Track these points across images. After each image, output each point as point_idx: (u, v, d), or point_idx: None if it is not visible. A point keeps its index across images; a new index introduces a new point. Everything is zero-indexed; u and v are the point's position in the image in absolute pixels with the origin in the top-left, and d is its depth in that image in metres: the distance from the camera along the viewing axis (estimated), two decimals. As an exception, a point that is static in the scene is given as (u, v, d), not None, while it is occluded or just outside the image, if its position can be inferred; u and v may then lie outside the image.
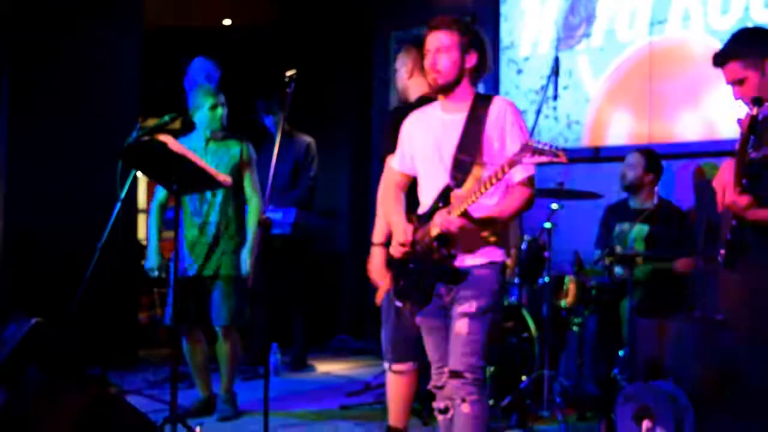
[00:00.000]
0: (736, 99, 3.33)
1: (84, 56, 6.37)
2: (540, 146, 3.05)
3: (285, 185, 6.51)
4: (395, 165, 3.75)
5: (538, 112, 4.97)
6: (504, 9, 6.93)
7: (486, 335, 3.42)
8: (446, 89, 3.51)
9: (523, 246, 5.28)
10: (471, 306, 3.40)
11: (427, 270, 3.48)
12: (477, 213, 3.36)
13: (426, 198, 3.55)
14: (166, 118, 4.65)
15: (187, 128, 5.24)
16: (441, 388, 3.55)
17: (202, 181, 4.35)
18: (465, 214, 3.31)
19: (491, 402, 4.88)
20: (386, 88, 7.64)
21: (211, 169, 4.42)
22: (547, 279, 5.12)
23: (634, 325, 4.87)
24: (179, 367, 5.13)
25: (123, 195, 4.74)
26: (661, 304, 5.15)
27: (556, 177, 5.33)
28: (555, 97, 5.08)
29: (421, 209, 3.56)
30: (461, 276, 3.44)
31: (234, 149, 5.09)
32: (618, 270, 5.24)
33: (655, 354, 4.71)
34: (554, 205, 5.14)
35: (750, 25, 5.27)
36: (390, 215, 3.72)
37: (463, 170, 3.38)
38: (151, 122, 4.74)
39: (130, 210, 6.90)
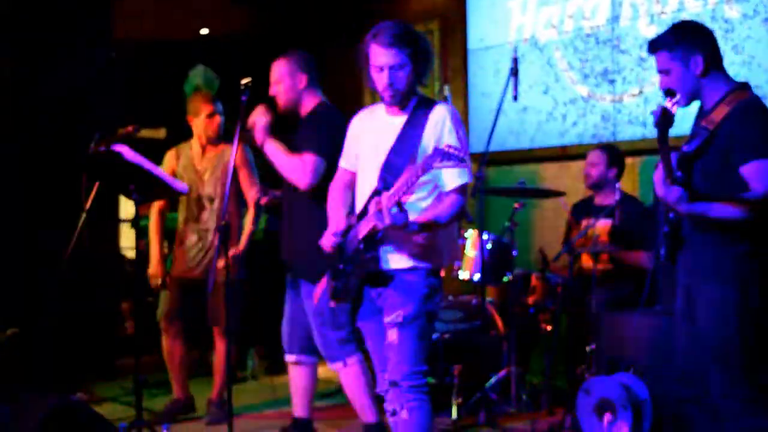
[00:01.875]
0: (661, 89, 3.39)
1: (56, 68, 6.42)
2: (450, 151, 3.09)
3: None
4: (341, 163, 3.81)
5: (497, 114, 5.02)
6: (471, 10, 6.99)
7: (418, 341, 3.46)
8: (402, 102, 3.54)
9: (487, 245, 5.33)
10: (398, 315, 3.44)
11: (354, 271, 3.52)
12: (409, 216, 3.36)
13: (360, 199, 3.60)
14: (130, 129, 4.71)
15: (184, 135, 5.34)
16: (387, 391, 3.57)
17: (160, 188, 4.42)
18: (399, 207, 3.27)
19: (459, 400, 4.94)
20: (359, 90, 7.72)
21: (167, 177, 4.50)
22: (509, 277, 5.16)
23: (598, 319, 4.92)
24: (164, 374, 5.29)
25: (87, 206, 4.79)
26: (625, 298, 5.20)
27: (522, 178, 5.40)
28: (515, 98, 5.12)
29: (356, 211, 3.62)
30: (385, 279, 3.47)
31: (228, 154, 5.14)
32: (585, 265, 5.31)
33: (618, 348, 4.76)
34: (515, 204, 5.21)
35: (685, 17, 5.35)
36: (330, 211, 3.75)
37: (394, 173, 3.40)
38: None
39: (111, 220, 6.97)
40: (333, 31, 8.10)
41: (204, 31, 8.92)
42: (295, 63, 4.44)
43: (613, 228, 5.31)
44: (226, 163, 5.09)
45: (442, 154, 3.08)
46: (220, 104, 5.25)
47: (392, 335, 3.46)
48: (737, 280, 3.25)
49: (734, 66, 5.20)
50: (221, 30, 8.79)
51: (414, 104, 3.55)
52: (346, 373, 4.44)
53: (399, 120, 3.55)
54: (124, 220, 7.52)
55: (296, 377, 4.61)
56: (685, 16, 5.59)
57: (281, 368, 6.63)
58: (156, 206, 5.28)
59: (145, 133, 7.22)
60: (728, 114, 3.25)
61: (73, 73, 6.41)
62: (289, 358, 4.60)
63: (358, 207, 3.60)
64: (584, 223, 5.50)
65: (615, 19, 6.05)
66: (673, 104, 3.22)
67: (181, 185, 4.59)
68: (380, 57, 3.46)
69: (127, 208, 8.50)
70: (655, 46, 3.41)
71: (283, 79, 4.42)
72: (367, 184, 3.56)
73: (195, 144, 5.25)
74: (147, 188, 4.36)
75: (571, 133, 6.29)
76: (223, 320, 5.04)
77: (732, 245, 3.26)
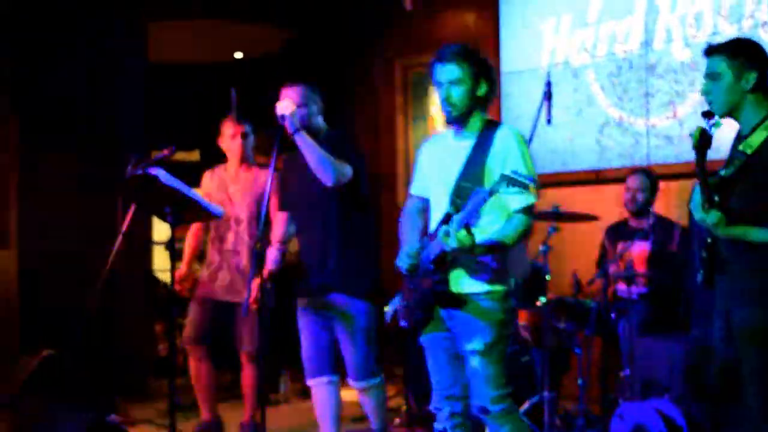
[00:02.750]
0: (703, 94, 3.39)
1: (90, 93, 6.51)
2: (515, 177, 3.15)
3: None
4: (411, 189, 3.87)
5: (531, 137, 5.01)
6: (504, 33, 7.00)
7: (499, 365, 3.50)
8: (459, 120, 3.58)
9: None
10: (479, 343, 3.47)
11: (426, 292, 3.54)
12: (477, 237, 3.39)
13: (433, 223, 3.64)
14: (165, 151, 4.76)
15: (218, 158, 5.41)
16: (440, 409, 3.63)
17: (196, 212, 4.46)
18: (467, 230, 3.32)
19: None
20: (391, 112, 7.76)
21: (202, 200, 4.53)
22: (544, 300, 5.13)
23: (633, 344, 4.88)
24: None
25: (125, 228, 4.83)
26: (662, 322, 5.16)
27: (554, 200, 5.38)
28: (548, 122, 5.12)
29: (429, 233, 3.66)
30: (458, 301, 3.49)
31: (261, 178, 5.18)
32: (620, 289, 5.28)
33: (653, 372, 4.72)
34: (551, 229, 5.19)
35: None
36: (403, 235, 3.78)
37: (463, 197, 3.41)
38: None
39: (144, 242, 7.02)
40: (366, 55, 8.15)
41: (238, 54, 9.00)
42: (312, 90, 4.51)
43: (650, 252, 5.28)
44: (258, 187, 5.12)
45: (507, 180, 3.16)
46: (247, 125, 5.28)
47: (474, 362, 3.49)
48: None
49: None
50: (255, 53, 8.87)
51: (480, 127, 3.58)
52: (377, 389, 4.51)
53: (466, 143, 3.58)
54: (158, 242, 7.57)
55: (325, 398, 4.56)
56: (719, 39, 5.56)
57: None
58: (194, 225, 5.32)
59: (180, 155, 7.31)
60: (767, 138, 3.23)
61: (110, 96, 6.49)
62: (320, 380, 4.54)
63: (431, 230, 3.63)
64: (620, 246, 5.48)
65: (648, 42, 6.03)
66: (711, 126, 3.21)
67: (216, 208, 4.63)
68: (438, 73, 3.55)
69: (160, 229, 8.60)
70: (715, 48, 3.40)
71: (303, 102, 4.42)
72: (438, 209, 3.60)
73: (230, 166, 5.30)
74: (182, 211, 4.39)
75: (604, 157, 6.27)
76: (252, 344, 5.05)
77: None
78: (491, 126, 3.59)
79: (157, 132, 6.92)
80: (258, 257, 4.15)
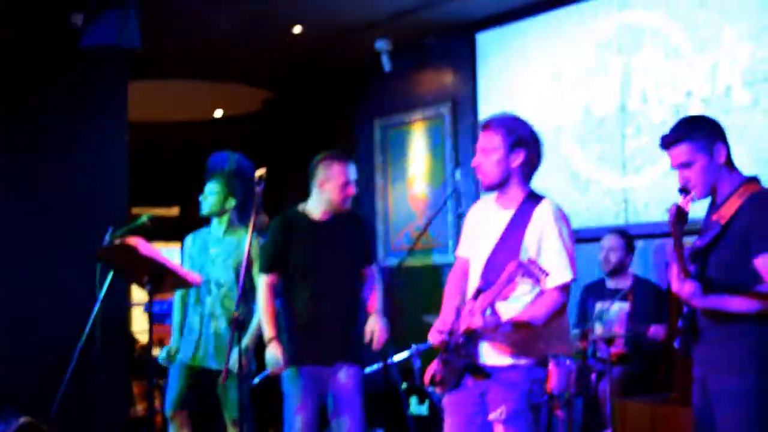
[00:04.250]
0: (681, 183, 3.35)
1: (71, 152, 6.47)
2: (530, 267, 3.19)
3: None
4: (458, 251, 3.83)
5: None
6: (481, 93, 7.07)
7: None
8: (494, 188, 3.57)
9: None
10: (502, 413, 3.43)
11: (456, 361, 3.52)
12: (504, 314, 3.37)
13: (470, 290, 3.58)
14: (144, 218, 4.76)
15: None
16: None
17: (174, 280, 4.44)
18: (492, 309, 3.31)
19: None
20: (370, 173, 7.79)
21: (180, 269, 4.52)
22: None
23: (614, 405, 4.88)
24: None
25: (102, 294, 4.81)
26: (642, 383, 5.17)
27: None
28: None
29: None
30: (485, 374, 3.48)
31: (244, 241, 5.09)
32: (599, 351, 5.29)
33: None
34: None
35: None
36: (444, 299, 3.74)
37: (495, 270, 3.39)
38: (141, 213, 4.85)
39: (122, 304, 6.96)
40: (345, 115, 8.20)
41: (218, 113, 9.06)
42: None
43: (630, 311, 5.30)
44: (242, 252, 5.09)
45: (523, 269, 3.17)
46: (233, 187, 5.25)
47: (498, 431, 3.46)
48: (753, 370, 3.23)
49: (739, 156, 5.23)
50: (235, 111, 8.93)
51: (522, 199, 3.55)
52: None
53: (506, 214, 3.55)
54: (137, 304, 7.53)
55: None
56: (694, 100, 5.66)
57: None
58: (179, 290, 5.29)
59: (159, 212, 7.31)
60: (741, 206, 3.25)
61: (89, 158, 6.47)
62: None
63: (467, 299, 3.59)
64: (598, 306, 5.50)
65: (624, 104, 6.11)
66: (687, 202, 3.24)
67: (194, 277, 4.60)
68: (478, 141, 3.56)
69: (138, 292, 8.56)
70: (672, 139, 3.36)
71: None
72: (474, 278, 3.58)
73: (214, 228, 5.26)
74: (160, 279, 4.37)
75: (581, 217, 6.31)
76: (235, 410, 4.99)
77: (746, 335, 3.24)
78: (533, 199, 3.55)
79: (137, 188, 6.92)
80: (236, 326, 4.11)
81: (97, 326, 4.79)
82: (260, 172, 4.21)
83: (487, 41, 7.04)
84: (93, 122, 6.57)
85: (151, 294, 4.37)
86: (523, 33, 6.78)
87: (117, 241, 4.23)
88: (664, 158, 3.47)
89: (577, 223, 6.27)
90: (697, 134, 3.34)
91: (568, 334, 4.54)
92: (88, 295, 5.06)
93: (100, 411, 6.30)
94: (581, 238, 6.23)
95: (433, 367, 3.69)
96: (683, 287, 3.20)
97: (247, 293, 5.02)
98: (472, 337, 3.45)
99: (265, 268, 4.56)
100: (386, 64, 7.28)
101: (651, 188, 5.91)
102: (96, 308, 4.84)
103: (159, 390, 5.82)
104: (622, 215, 6.08)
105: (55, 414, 5.03)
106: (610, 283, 5.56)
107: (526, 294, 3.46)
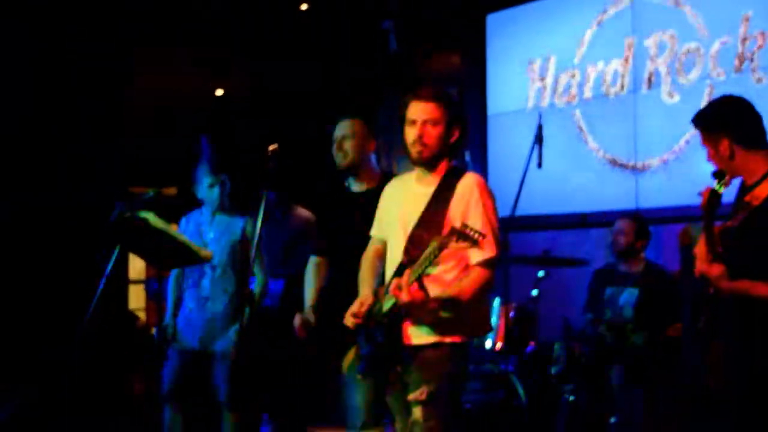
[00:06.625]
0: (708, 161, 3.34)
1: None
2: (465, 231, 3.06)
3: (277, 258, 6.46)
4: (373, 231, 3.71)
5: (522, 180, 4.98)
6: (491, 75, 6.99)
7: (441, 420, 3.35)
8: (429, 163, 3.45)
9: (511, 314, 5.25)
10: (422, 393, 3.34)
11: (379, 344, 3.41)
12: (430, 290, 3.28)
13: (388, 271, 3.50)
14: (151, 192, 4.65)
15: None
16: None
17: (184, 256, 4.35)
18: (419, 283, 3.21)
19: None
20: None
21: (192, 244, 4.42)
22: (533, 345, 5.09)
23: (623, 392, 4.83)
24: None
25: (108, 270, 4.71)
26: (652, 371, 5.12)
27: (542, 245, 5.35)
28: (539, 165, 5.09)
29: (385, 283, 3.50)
30: (409, 355, 3.38)
31: (237, 224, 5.04)
32: (608, 337, 5.23)
33: (643, 422, 4.67)
34: (540, 273, 5.15)
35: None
36: (361, 282, 3.62)
37: (418, 247, 3.30)
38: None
39: (120, 281, 6.89)
40: (349, 99, 8.11)
41: (219, 92, 8.93)
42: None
43: (639, 297, 5.25)
44: (235, 233, 5.01)
45: (457, 234, 3.04)
46: (223, 175, 5.13)
47: (417, 413, 3.35)
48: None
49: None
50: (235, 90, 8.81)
51: (444, 174, 3.46)
52: None
53: (427, 190, 3.45)
54: (134, 281, 7.44)
55: None
56: (708, 83, 5.59)
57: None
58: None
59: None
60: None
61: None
62: None
63: (387, 279, 3.48)
64: (608, 292, 5.43)
65: (637, 85, 6.04)
66: (721, 185, 3.18)
67: (206, 253, 4.50)
68: (417, 111, 3.40)
69: (135, 267, 8.48)
70: (694, 123, 3.36)
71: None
72: (394, 257, 3.47)
73: (206, 211, 5.15)
74: (170, 254, 4.28)
75: (591, 200, 6.25)
76: (230, 393, 4.91)
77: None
78: (455, 173, 3.45)
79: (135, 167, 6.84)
80: (241, 304, 4.02)
81: (104, 303, 4.70)
82: (272, 147, 4.10)
83: (497, 22, 6.96)
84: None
85: (161, 269, 4.29)
86: (534, 13, 6.71)
87: (127, 215, 4.12)
88: (675, 142, 3.43)
89: (586, 207, 6.27)
90: (708, 124, 3.31)
91: (489, 313, 4.45)
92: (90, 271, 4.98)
93: (97, 390, 6.25)
94: (591, 222, 6.21)
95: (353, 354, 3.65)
96: (711, 269, 3.14)
97: (245, 273, 4.93)
98: (396, 316, 3.33)
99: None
100: (392, 42, 7.20)
101: (663, 171, 5.85)
102: (101, 285, 4.74)
103: (158, 368, 5.73)
104: (632, 199, 6.02)
105: (57, 389, 4.98)
106: (622, 268, 5.48)
107: (448, 272, 3.35)
